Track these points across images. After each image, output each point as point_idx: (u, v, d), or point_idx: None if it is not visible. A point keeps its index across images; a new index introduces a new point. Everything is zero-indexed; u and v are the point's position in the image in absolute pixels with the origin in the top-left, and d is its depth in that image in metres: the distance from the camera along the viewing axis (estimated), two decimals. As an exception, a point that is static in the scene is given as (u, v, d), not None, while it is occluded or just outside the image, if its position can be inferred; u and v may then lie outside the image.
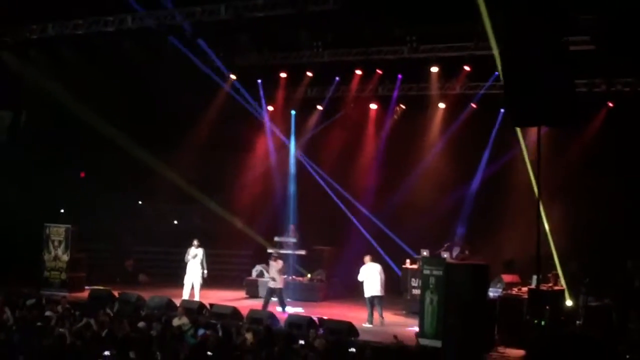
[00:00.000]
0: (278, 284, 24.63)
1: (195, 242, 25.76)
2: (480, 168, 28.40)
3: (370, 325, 22.42)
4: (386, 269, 27.01)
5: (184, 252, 25.95)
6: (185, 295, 25.19)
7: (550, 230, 22.74)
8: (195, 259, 25.56)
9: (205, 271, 25.70)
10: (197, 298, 25.09)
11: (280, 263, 24.86)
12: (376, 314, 23.04)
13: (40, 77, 26.98)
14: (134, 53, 26.46)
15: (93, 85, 27.21)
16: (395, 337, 18.95)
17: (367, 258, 23.64)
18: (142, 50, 26.35)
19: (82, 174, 32.60)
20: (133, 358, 14.52)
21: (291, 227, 29.02)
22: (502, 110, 26.21)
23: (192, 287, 25.55)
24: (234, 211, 31.68)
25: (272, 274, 24.80)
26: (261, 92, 30.76)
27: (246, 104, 30.60)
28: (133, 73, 27.40)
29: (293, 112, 31.59)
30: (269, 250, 27.08)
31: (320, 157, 31.02)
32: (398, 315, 25.01)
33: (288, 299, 26.28)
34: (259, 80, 30.44)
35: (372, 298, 23.14)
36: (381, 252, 27.65)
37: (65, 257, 26.89)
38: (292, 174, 31.55)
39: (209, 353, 15.73)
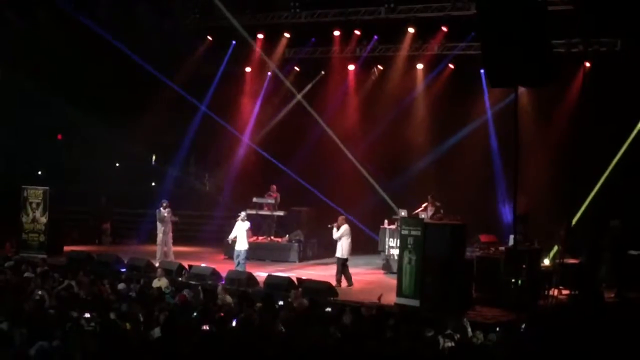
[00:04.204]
0: (244, 245, 23.94)
1: (164, 203, 25.79)
2: (466, 128, 28.45)
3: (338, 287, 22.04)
4: (359, 232, 26.99)
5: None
6: (158, 257, 25.26)
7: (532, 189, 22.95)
8: (163, 220, 25.62)
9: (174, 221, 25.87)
10: (170, 258, 25.21)
11: (248, 224, 24.26)
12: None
13: (15, 38, 26.80)
14: (107, 16, 26.41)
15: (68, 47, 27.11)
16: (379, 298, 19.22)
17: (342, 218, 23.48)
18: (114, 13, 26.30)
19: (60, 136, 32.51)
20: (114, 319, 14.56)
21: (273, 187, 28.91)
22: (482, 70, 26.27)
23: (165, 250, 25.69)
24: (210, 172, 31.70)
25: (239, 236, 23.97)
26: (227, 54, 30.74)
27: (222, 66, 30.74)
28: (108, 34, 27.26)
29: (269, 73, 31.53)
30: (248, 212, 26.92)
31: (300, 118, 30.96)
32: (377, 274, 25.19)
33: (267, 260, 26.48)
34: (233, 42, 30.33)
35: (346, 260, 23.08)
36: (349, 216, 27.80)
37: (44, 220, 26.77)
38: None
39: (194, 314, 15.78)
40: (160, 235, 25.70)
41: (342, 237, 23.06)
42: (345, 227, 23.16)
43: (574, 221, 23.51)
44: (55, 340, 12.28)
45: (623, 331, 15.36)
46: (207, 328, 13.60)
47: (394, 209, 26.48)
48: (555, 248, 22.30)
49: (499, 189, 27.46)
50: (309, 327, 14.77)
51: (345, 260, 22.99)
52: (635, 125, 24.42)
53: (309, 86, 31.23)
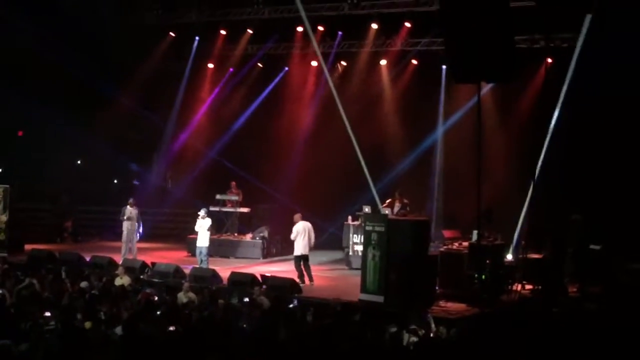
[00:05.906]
0: (205, 242, 24.13)
1: (131, 201, 25.72)
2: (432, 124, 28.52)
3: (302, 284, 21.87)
4: (322, 228, 26.87)
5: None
6: (123, 254, 25.11)
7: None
8: (130, 218, 25.56)
9: (142, 229, 25.77)
10: (133, 255, 25.16)
11: (208, 221, 24.34)
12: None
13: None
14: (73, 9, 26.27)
15: (32, 42, 26.86)
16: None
17: (297, 216, 23.18)
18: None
19: (20, 133, 32.18)
20: (77, 318, 14.41)
21: (233, 183, 28.78)
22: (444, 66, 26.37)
23: (130, 246, 25.61)
24: (173, 170, 31.63)
25: (200, 233, 24.15)
26: (193, 50, 30.67)
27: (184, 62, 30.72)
28: (72, 30, 27.05)
29: (231, 69, 31.46)
30: (212, 209, 26.81)
31: (261, 114, 30.88)
32: (340, 270, 25.17)
33: (232, 257, 26.41)
34: (197, 37, 30.24)
35: (305, 257, 22.71)
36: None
37: (4, 218, 26.41)
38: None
39: (157, 312, 15.66)
40: (125, 233, 25.62)
41: (297, 236, 22.82)
42: (299, 225, 22.82)
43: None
44: (17, 339, 12.14)
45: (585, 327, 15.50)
46: (173, 328, 13.52)
47: (356, 206, 26.34)
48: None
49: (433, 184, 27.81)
50: (273, 324, 14.73)
51: (303, 257, 22.63)
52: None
53: (273, 84, 31.13)
